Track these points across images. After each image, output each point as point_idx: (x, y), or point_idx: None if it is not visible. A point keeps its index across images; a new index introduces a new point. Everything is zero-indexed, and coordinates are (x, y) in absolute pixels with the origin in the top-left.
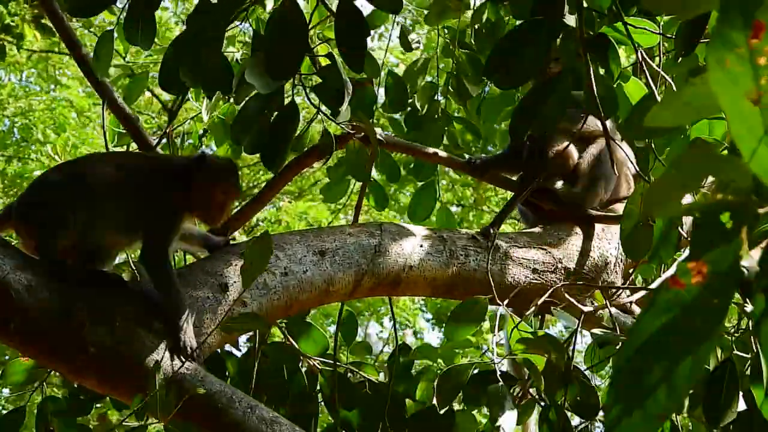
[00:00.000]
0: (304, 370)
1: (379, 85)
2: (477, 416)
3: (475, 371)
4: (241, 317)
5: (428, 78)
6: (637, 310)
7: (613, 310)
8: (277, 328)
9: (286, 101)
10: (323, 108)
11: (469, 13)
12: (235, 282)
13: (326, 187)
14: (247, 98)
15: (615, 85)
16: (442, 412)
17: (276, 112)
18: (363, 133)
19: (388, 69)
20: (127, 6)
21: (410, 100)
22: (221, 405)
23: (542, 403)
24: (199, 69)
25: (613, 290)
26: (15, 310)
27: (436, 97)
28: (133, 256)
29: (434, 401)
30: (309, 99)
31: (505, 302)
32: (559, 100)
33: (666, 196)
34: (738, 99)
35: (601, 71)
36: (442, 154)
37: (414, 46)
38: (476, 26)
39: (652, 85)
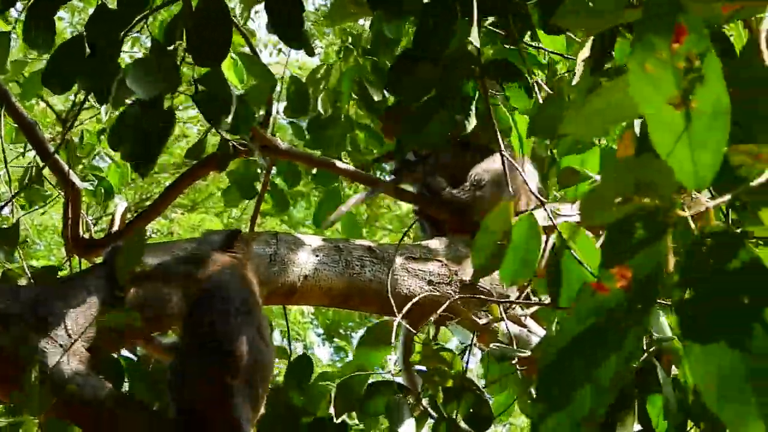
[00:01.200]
0: None
1: (279, 95)
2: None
3: (371, 382)
4: (117, 312)
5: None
6: (531, 323)
7: (509, 324)
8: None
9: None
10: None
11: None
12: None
13: (227, 190)
14: (126, 104)
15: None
16: (337, 421)
17: (153, 119)
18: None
19: (291, 75)
20: (26, 9)
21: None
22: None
23: (434, 415)
24: (95, 75)
25: (509, 304)
26: None
27: (338, 103)
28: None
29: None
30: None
31: (401, 315)
32: (446, 119)
33: (601, 205)
34: (659, 103)
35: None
36: (341, 165)
37: (317, 52)
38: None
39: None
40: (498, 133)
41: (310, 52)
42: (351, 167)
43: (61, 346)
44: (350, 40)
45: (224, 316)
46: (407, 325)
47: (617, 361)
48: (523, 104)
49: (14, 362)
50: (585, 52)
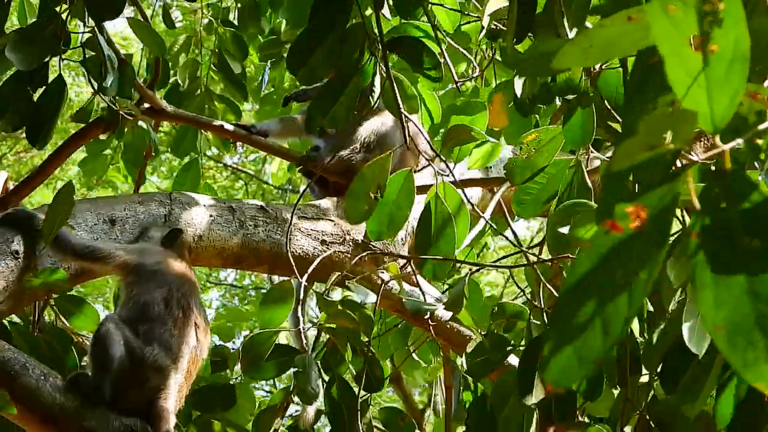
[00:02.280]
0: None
1: (140, 63)
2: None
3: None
4: (42, 271)
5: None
6: (423, 282)
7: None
8: (50, 307)
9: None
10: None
11: None
12: (24, 249)
13: (83, 161)
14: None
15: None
16: (247, 375)
17: (40, 88)
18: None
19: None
20: None
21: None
22: (14, 371)
23: (326, 377)
24: None
25: (404, 263)
26: None
27: (198, 74)
28: None
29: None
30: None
31: (305, 277)
32: (351, 99)
33: (631, 158)
34: (679, 44)
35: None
36: (228, 127)
37: (177, 24)
38: (239, 5)
39: (454, 76)
40: (398, 97)
41: (170, 24)
42: (240, 130)
43: None
44: (211, 12)
45: (168, 307)
46: (307, 285)
47: (628, 301)
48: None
49: None
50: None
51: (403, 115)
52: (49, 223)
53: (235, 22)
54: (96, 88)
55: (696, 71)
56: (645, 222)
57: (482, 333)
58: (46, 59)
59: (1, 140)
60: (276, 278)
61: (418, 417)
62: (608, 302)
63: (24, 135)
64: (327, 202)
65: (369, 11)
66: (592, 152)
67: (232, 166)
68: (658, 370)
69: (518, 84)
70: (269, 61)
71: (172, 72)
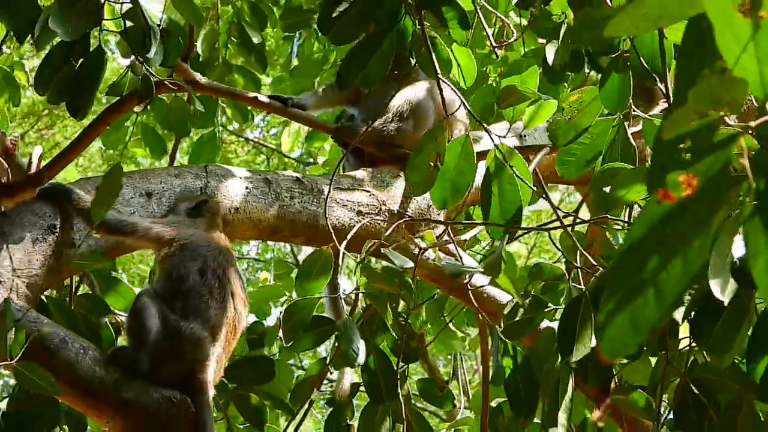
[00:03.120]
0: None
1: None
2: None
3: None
4: (89, 254)
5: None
6: (460, 252)
7: (440, 253)
8: (85, 282)
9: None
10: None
11: None
12: (61, 223)
13: (106, 133)
14: (50, 46)
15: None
16: (288, 345)
17: (81, 59)
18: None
19: (168, 17)
20: None
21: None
22: (53, 345)
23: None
24: (13, 10)
25: (440, 232)
26: None
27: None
28: None
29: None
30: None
31: (342, 245)
32: (385, 57)
33: (681, 126)
34: (729, 11)
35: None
36: (262, 98)
37: None
38: None
39: (491, 38)
40: (435, 62)
41: None
42: (276, 102)
43: (0, 283)
44: None
45: (203, 278)
46: (348, 255)
47: (682, 268)
48: (461, 36)
49: None
50: None
51: (439, 78)
52: (97, 204)
53: None
54: (139, 58)
55: (746, 38)
56: (697, 190)
57: (520, 294)
58: (88, 30)
59: (23, 117)
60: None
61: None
62: (662, 270)
63: (46, 112)
64: (362, 173)
65: None
66: (634, 111)
67: (254, 140)
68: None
69: (549, 51)
70: (298, 32)
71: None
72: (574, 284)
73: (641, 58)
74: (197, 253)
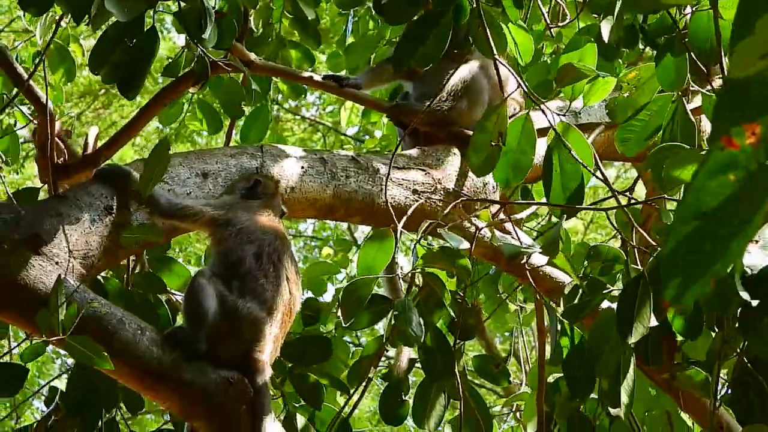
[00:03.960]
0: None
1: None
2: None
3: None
4: (137, 228)
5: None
6: (516, 230)
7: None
8: (142, 262)
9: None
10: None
11: None
12: (117, 204)
13: (163, 111)
14: (106, 25)
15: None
16: (346, 324)
17: (135, 39)
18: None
19: None
20: None
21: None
22: (111, 326)
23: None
24: None
25: (496, 210)
26: None
27: (270, 21)
28: None
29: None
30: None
31: (401, 223)
32: (441, 36)
33: (750, 62)
34: None
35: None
36: (317, 77)
37: None
38: None
39: (545, 16)
40: (491, 41)
41: None
42: (330, 82)
43: (56, 263)
44: None
45: (259, 262)
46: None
47: (745, 218)
48: (515, 14)
49: (11, 283)
50: None
51: (495, 57)
52: (145, 180)
53: None
54: (194, 39)
55: None
56: (761, 138)
57: (578, 276)
58: (143, 10)
59: (80, 97)
60: (360, 228)
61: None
62: (725, 221)
63: (103, 91)
64: (417, 151)
65: None
66: (693, 87)
67: (310, 118)
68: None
69: (605, 28)
70: (352, 10)
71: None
72: (631, 265)
73: (696, 37)
74: (253, 237)
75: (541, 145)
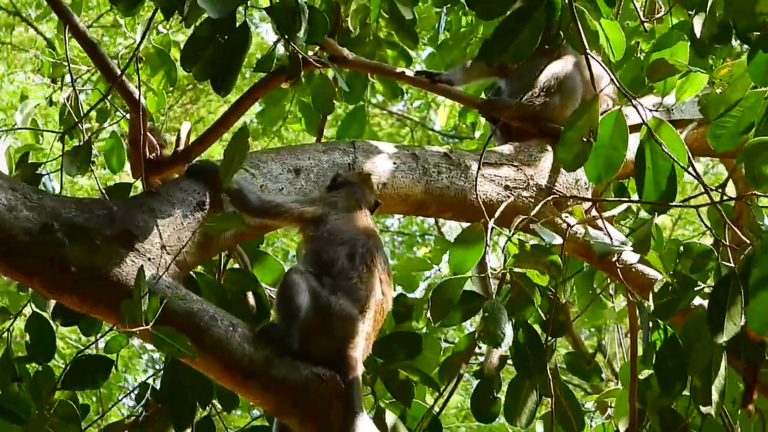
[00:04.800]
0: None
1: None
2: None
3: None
4: (221, 216)
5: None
6: (608, 227)
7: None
8: (235, 257)
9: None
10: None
11: None
12: (210, 200)
13: (261, 112)
14: (198, 22)
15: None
16: (436, 325)
17: (226, 36)
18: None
19: None
20: None
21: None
22: (203, 323)
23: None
24: None
25: (589, 207)
26: None
27: (368, 20)
28: None
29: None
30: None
31: (492, 220)
32: (534, 31)
33: None
34: None
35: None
36: (409, 73)
37: None
38: None
39: (638, 11)
40: (583, 36)
41: None
42: (422, 78)
43: (149, 259)
44: None
45: (351, 263)
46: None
47: None
48: (607, 10)
49: (104, 279)
50: None
51: (587, 53)
52: (225, 169)
53: None
54: (285, 36)
55: None
56: None
57: (669, 273)
58: (236, 7)
59: (168, 92)
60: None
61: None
62: None
63: (191, 86)
64: (509, 147)
65: None
66: None
67: (398, 113)
68: None
69: (697, 24)
70: (444, 7)
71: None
72: (723, 262)
73: None
74: (346, 238)
75: (634, 141)
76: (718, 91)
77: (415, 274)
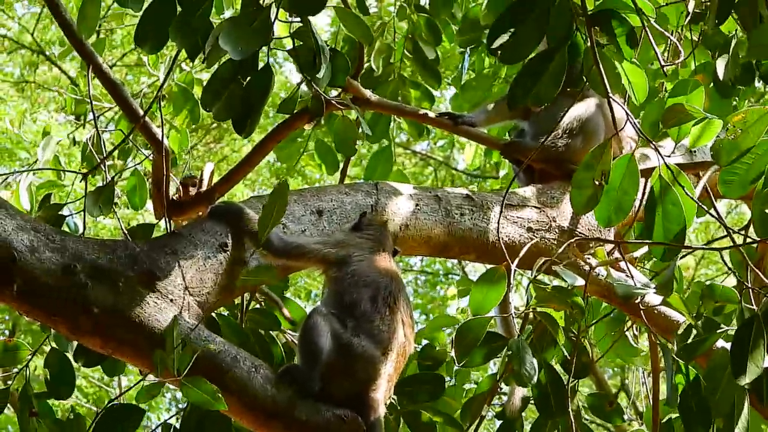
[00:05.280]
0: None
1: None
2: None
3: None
4: (256, 269)
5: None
6: (630, 268)
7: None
8: (256, 299)
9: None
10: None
11: None
12: (232, 242)
13: (279, 147)
14: (219, 63)
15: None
16: (459, 365)
17: (249, 77)
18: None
19: (338, 32)
20: None
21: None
22: (225, 364)
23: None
24: (186, 30)
25: (611, 248)
26: (18, 271)
27: (392, 60)
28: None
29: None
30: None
31: (515, 262)
32: (556, 75)
33: None
34: None
35: (603, 45)
36: (432, 115)
37: (371, 10)
38: None
39: (659, 55)
40: (605, 79)
41: (365, 11)
42: (445, 119)
43: (171, 301)
44: None
45: (374, 305)
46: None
47: None
48: (629, 53)
49: (127, 320)
50: None
51: (609, 95)
52: (263, 223)
53: (427, 7)
54: (308, 77)
55: None
56: None
57: (692, 315)
58: (258, 48)
59: (191, 131)
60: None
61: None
62: None
63: (215, 125)
64: (532, 189)
65: None
66: None
67: (421, 152)
68: None
69: (720, 66)
70: (468, 48)
71: (365, 58)
72: (746, 305)
73: None
74: (369, 280)
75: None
76: (731, 137)
77: (441, 329)
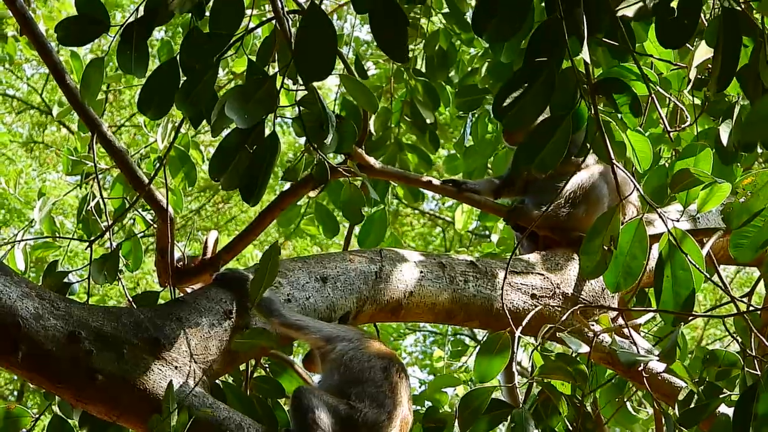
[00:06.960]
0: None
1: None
2: None
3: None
4: (250, 332)
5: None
6: (634, 335)
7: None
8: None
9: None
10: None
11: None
12: (236, 309)
13: (282, 215)
14: (226, 132)
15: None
16: None
17: (255, 145)
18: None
19: (343, 96)
20: (119, 33)
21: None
22: (230, 431)
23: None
24: (191, 99)
25: (615, 315)
26: (22, 338)
27: (389, 124)
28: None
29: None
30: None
31: (519, 329)
32: (561, 142)
33: None
34: None
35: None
36: (436, 182)
37: (369, 74)
38: (428, 54)
39: (664, 121)
40: (609, 147)
41: (363, 75)
42: (449, 186)
43: (176, 368)
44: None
45: (384, 371)
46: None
47: None
48: (633, 122)
49: (132, 388)
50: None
51: (613, 163)
52: (255, 285)
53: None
54: (314, 145)
55: None
56: None
57: (694, 381)
58: (263, 117)
59: (200, 191)
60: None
61: None
62: None
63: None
64: (536, 256)
65: (578, 56)
66: None
67: (429, 212)
68: None
69: (724, 131)
70: (471, 113)
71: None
72: (749, 371)
73: None
74: (373, 353)
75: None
76: (741, 200)
77: (442, 389)
